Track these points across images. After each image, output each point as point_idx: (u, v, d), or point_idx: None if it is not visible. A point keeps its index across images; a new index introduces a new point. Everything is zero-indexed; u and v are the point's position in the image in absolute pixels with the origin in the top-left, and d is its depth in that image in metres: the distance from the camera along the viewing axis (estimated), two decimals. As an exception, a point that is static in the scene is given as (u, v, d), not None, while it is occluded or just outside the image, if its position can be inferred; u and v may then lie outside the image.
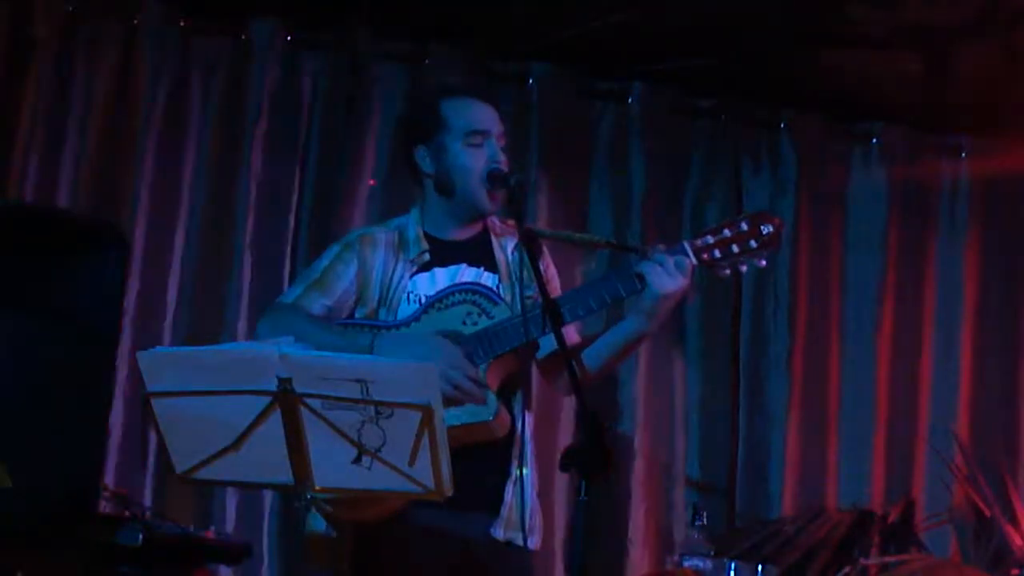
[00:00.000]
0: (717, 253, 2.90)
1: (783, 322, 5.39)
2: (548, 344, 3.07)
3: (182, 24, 4.93)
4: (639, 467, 5.16)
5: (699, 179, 5.44)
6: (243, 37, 4.99)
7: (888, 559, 4.92)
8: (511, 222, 3.19)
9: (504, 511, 3.01)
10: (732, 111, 5.46)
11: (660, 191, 5.37)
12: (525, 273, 3.03)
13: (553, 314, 2.79)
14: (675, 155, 5.43)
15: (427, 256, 3.10)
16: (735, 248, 2.90)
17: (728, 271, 2.94)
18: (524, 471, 3.04)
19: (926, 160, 5.59)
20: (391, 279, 3.08)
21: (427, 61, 5.13)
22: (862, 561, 4.87)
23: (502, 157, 3.09)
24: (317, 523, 2.98)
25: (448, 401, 2.67)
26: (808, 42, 4.96)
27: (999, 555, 5.08)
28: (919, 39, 4.87)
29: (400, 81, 5.12)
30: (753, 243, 2.90)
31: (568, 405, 4.95)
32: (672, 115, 5.41)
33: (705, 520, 4.54)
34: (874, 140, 5.56)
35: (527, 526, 3.03)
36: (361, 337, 2.97)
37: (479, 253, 3.13)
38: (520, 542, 3.03)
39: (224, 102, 4.95)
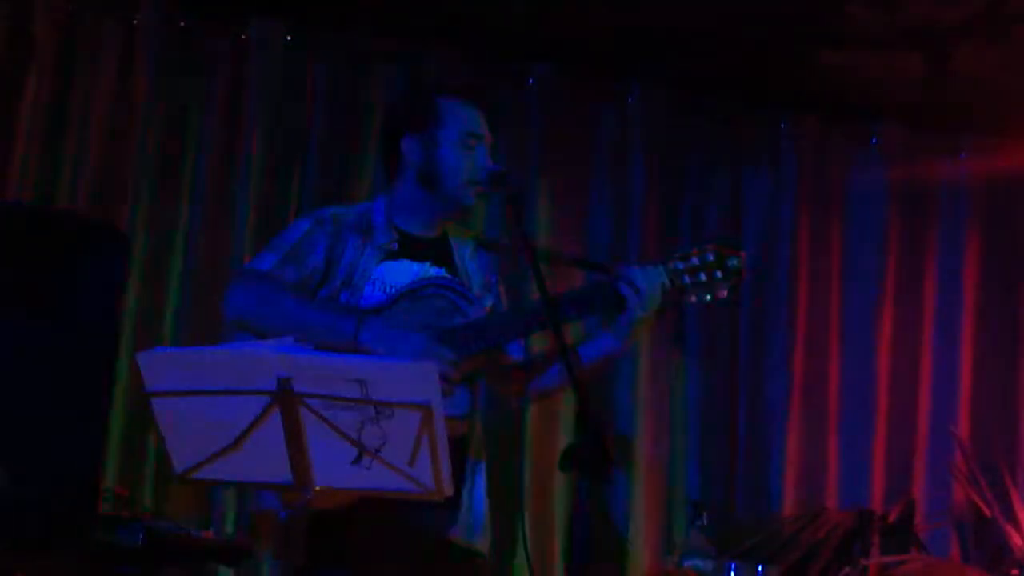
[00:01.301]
0: (687, 279, 2.97)
1: (783, 322, 5.39)
2: (519, 350, 3.12)
3: (182, 24, 4.93)
4: (639, 467, 5.16)
5: (699, 179, 5.45)
6: (243, 37, 4.99)
7: (888, 559, 4.92)
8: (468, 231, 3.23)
9: (460, 513, 3.01)
10: (732, 111, 5.46)
11: (660, 191, 5.37)
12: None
13: (553, 314, 2.79)
14: (675, 155, 5.43)
15: (395, 246, 3.10)
16: (702, 276, 2.97)
17: (693, 298, 2.99)
18: (477, 476, 3.05)
19: (926, 160, 5.59)
20: (358, 262, 3.07)
21: (427, 61, 5.13)
22: (862, 561, 4.87)
23: (491, 163, 3.10)
24: (269, 501, 2.94)
25: None
26: (808, 42, 4.97)
27: (999, 555, 5.08)
28: (919, 39, 4.87)
29: (400, 81, 5.12)
30: (718, 274, 2.97)
31: (568, 405, 4.95)
32: (672, 115, 5.41)
33: (705, 520, 4.54)
34: (874, 140, 5.56)
35: (478, 527, 3.03)
36: (345, 319, 2.91)
37: (442, 254, 3.13)
38: (475, 544, 3.04)
39: (224, 102, 4.95)
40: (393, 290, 3.03)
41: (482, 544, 3.05)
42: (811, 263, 5.45)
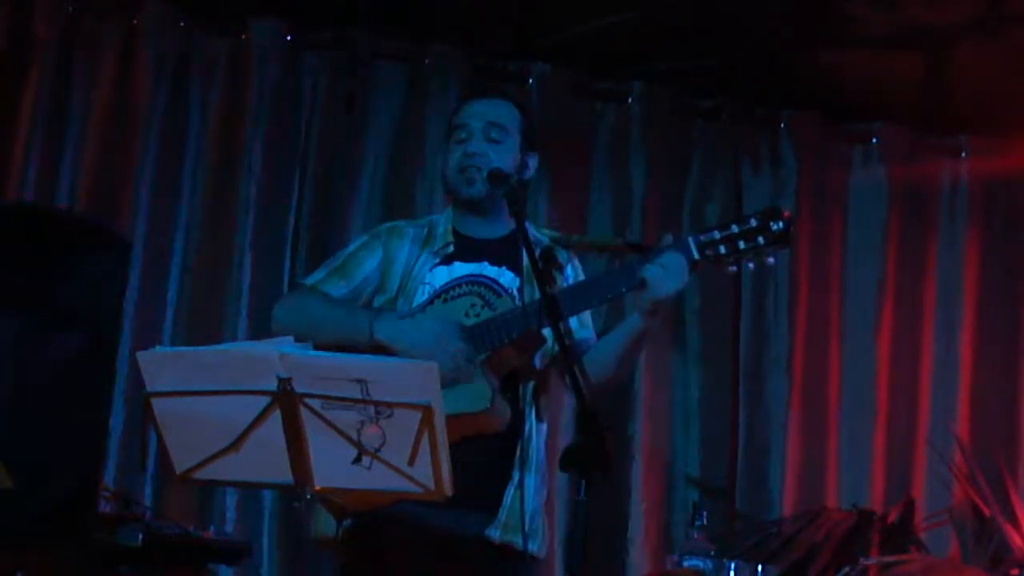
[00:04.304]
0: (722, 249, 2.87)
1: (783, 322, 5.39)
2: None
3: (182, 24, 4.93)
4: (639, 467, 5.16)
5: (699, 179, 5.44)
6: (243, 37, 4.99)
7: (888, 559, 4.91)
8: (545, 230, 3.22)
9: (502, 514, 2.99)
10: (732, 111, 5.46)
11: (660, 191, 5.37)
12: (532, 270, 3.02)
13: (551, 308, 2.77)
14: (675, 155, 5.43)
15: (450, 248, 3.12)
16: (742, 244, 2.87)
17: (734, 268, 2.90)
18: (526, 476, 3.02)
19: (926, 160, 5.59)
20: (412, 269, 3.10)
21: (427, 61, 5.13)
22: (862, 561, 4.87)
23: (480, 148, 3.10)
24: (327, 527, 2.99)
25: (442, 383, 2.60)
26: (808, 42, 4.97)
27: (999, 555, 5.08)
28: (919, 39, 4.87)
29: (400, 81, 5.13)
30: (761, 240, 2.87)
31: (568, 405, 4.95)
32: (672, 115, 5.41)
33: (705, 520, 4.54)
34: (874, 140, 5.56)
35: (526, 529, 3.00)
36: (362, 316, 2.99)
37: (505, 253, 3.11)
38: (519, 546, 3.01)
39: (224, 102, 4.95)
40: (433, 291, 3.05)
41: (532, 546, 2.99)
42: (811, 263, 5.45)
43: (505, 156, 3.12)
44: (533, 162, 3.24)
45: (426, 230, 3.19)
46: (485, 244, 3.14)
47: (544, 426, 3.11)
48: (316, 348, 2.56)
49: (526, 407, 3.05)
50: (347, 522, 2.97)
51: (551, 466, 3.06)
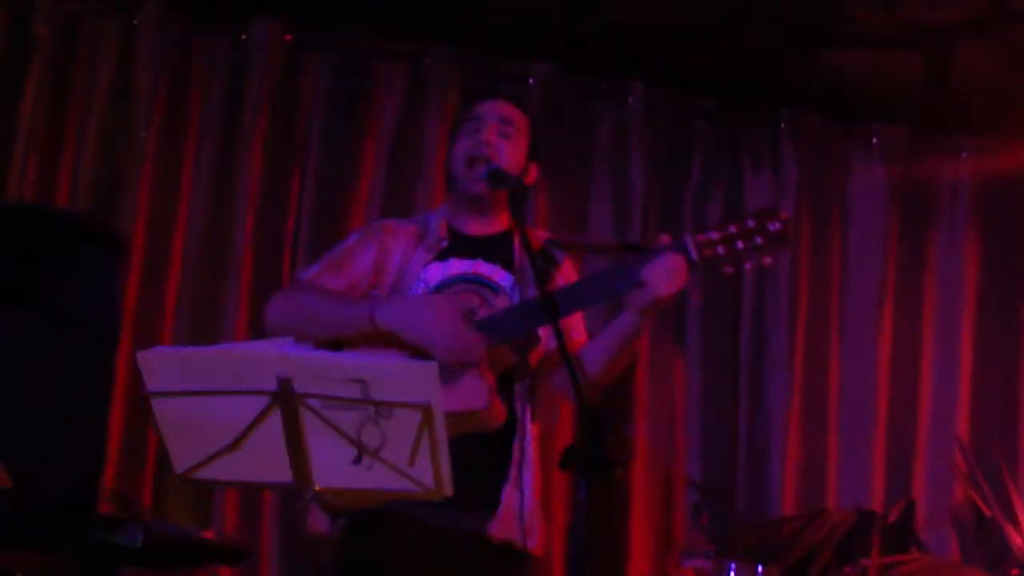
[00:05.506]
0: (720, 250, 2.88)
1: (783, 322, 5.39)
2: (550, 340, 3.07)
3: (182, 24, 4.93)
4: (639, 467, 5.16)
5: (699, 179, 5.45)
6: (243, 37, 4.99)
7: (888, 559, 4.92)
8: (539, 231, 3.23)
9: (500, 512, 3.00)
10: (732, 111, 5.46)
11: (660, 191, 5.37)
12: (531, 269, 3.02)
13: (551, 307, 2.77)
14: (675, 155, 5.43)
15: (444, 244, 3.12)
16: (740, 245, 2.88)
17: (732, 268, 2.91)
18: (523, 473, 3.02)
19: (926, 160, 5.59)
20: (408, 266, 3.10)
21: (427, 61, 5.13)
22: (862, 561, 4.87)
23: (492, 139, 3.11)
24: (321, 523, 2.99)
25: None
26: (808, 42, 4.97)
27: (999, 555, 5.08)
28: (919, 39, 4.87)
29: (400, 81, 5.12)
30: (759, 240, 2.88)
31: (568, 405, 4.95)
32: (672, 115, 5.41)
33: (705, 520, 4.54)
34: (874, 140, 5.56)
35: (524, 527, 3.01)
36: (360, 304, 2.99)
37: (498, 251, 3.13)
38: (518, 543, 3.01)
39: (224, 102, 4.95)
40: (430, 289, 3.05)
41: (530, 543, 3.01)
42: (811, 263, 5.45)
43: (514, 152, 3.14)
44: (534, 170, 3.25)
45: (421, 226, 3.19)
46: (479, 241, 3.15)
47: (536, 424, 3.12)
48: (314, 344, 2.56)
49: (521, 405, 3.05)
50: (341, 519, 2.96)
51: (552, 464, 3.07)
